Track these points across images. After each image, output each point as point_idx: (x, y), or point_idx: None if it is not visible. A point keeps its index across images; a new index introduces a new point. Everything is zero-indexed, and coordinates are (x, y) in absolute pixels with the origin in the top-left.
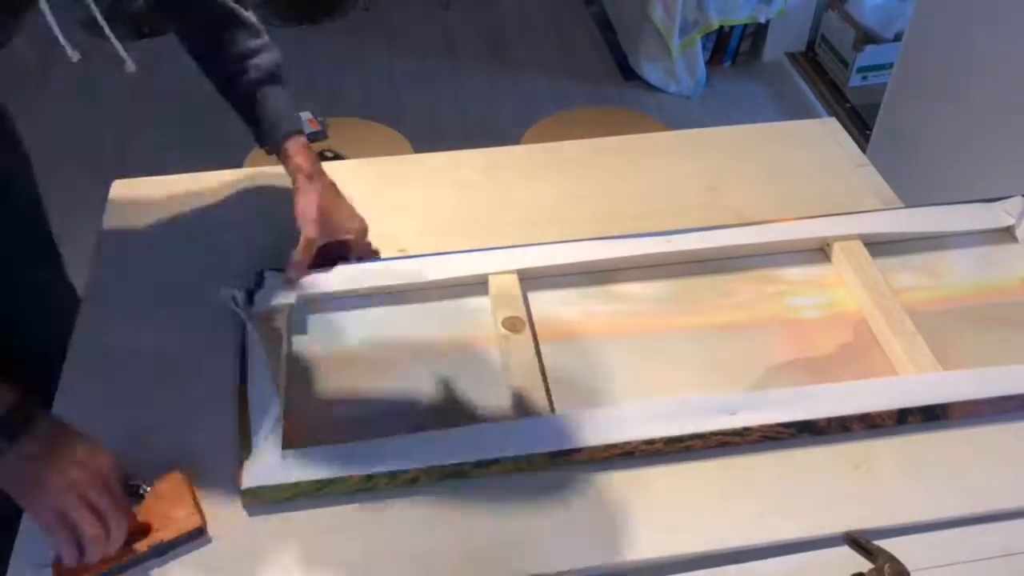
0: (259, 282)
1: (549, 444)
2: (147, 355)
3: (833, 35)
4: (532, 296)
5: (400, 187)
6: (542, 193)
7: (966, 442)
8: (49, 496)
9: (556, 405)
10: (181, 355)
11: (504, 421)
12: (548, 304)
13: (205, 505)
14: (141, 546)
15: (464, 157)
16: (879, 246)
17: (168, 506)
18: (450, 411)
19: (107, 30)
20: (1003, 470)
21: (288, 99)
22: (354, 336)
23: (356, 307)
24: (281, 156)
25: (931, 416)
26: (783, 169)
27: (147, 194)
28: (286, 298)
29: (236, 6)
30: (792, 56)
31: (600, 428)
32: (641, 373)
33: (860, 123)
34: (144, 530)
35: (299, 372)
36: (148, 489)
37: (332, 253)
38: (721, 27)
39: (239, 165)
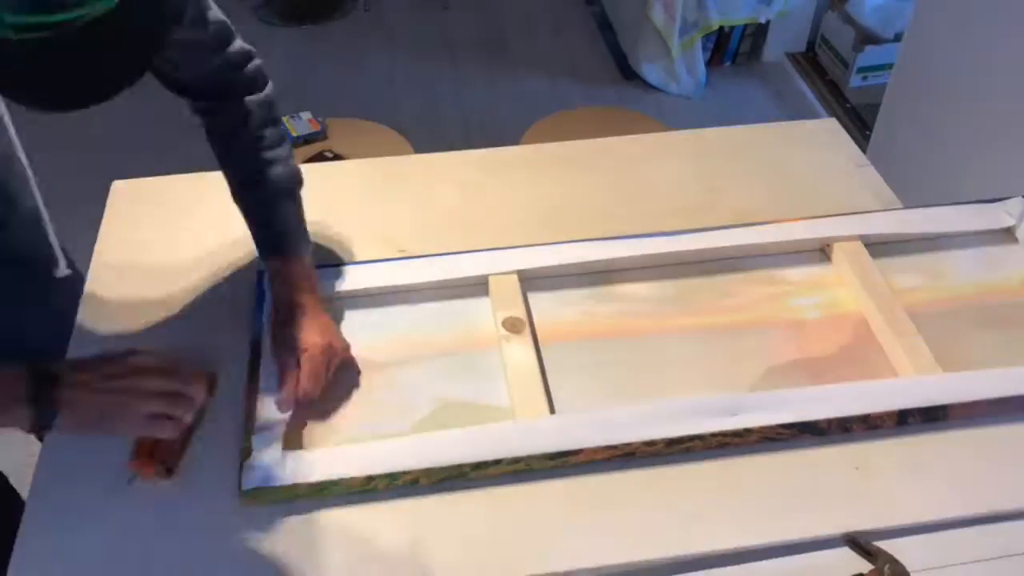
0: (259, 282)
1: (549, 444)
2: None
3: (833, 35)
4: (532, 296)
5: (400, 187)
6: (542, 193)
7: (966, 443)
8: (122, 421)
9: (556, 405)
10: (181, 355)
11: (504, 421)
12: (548, 304)
13: (205, 505)
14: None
15: (464, 157)
16: (879, 247)
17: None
18: (450, 411)
19: None
20: (1003, 471)
21: (299, 217)
22: (354, 336)
23: (357, 307)
24: (283, 271)
25: (931, 417)
26: (783, 169)
27: (147, 194)
28: None
29: (267, 111)
30: (792, 56)
31: (600, 428)
32: (641, 374)
33: (860, 123)
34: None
35: None
36: None
37: None
38: (721, 27)
39: None
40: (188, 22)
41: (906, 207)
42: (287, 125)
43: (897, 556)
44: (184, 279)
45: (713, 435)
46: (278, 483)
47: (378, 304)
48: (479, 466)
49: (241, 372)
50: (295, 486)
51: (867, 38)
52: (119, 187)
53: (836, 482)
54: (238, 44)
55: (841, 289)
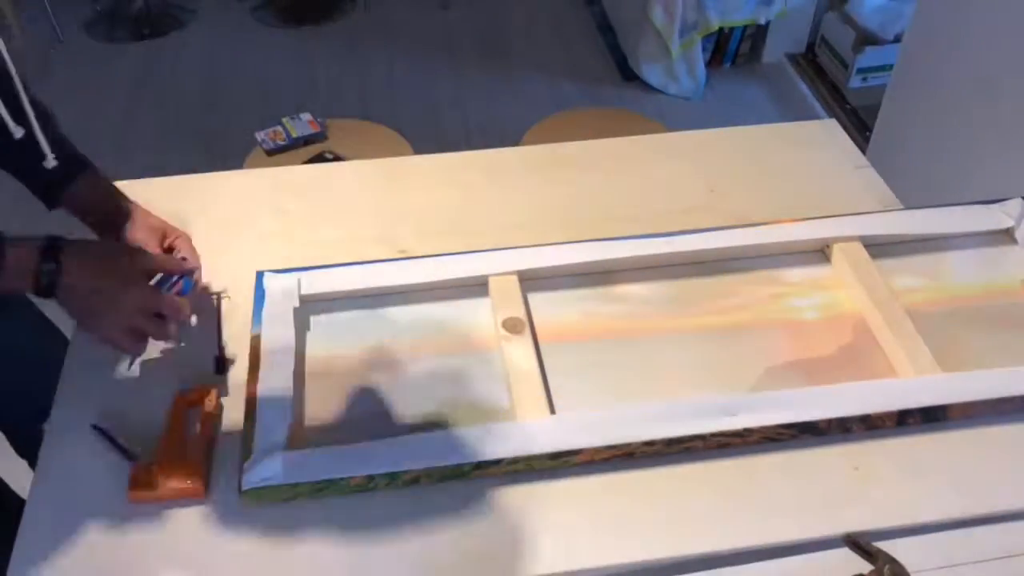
0: (259, 282)
1: (549, 444)
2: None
3: (833, 36)
4: (532, 297)
5: (400, 188)
6: (542, 194)
7: (966, 443)
8: (107, 326)
9: (556, 406)
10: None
11: (504, 422)
12: (548, 305)
13: (205, 504)
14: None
15: (464, 158)
16: (879, 247)
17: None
18: (450, 411)
19: None
20: (1003, 471)
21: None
22: (354, 337)
23: (357, 308)
24: (100, 182)
25: (931, 417)
26: (783, 170)
27: (147, 194)
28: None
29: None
30: (792, 57)
31: (600, 429)
32: (641, 374)
33: (860, 124)
34: None
35: (300, 373)
36: None
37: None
38: (721, 28)
39: (239, 165)
40: None
41: (906, 208)
42: (287, 126)
43: (897, 556)
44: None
45: (713, 435)
46: (278, 483)
47: (378, 304)
48: (479, 466)
49: (241, 372)
50: (295, 486)
51: (867, 39)
52: (119, 187)
53: (836, 482)
54: None
55: (841, 290)
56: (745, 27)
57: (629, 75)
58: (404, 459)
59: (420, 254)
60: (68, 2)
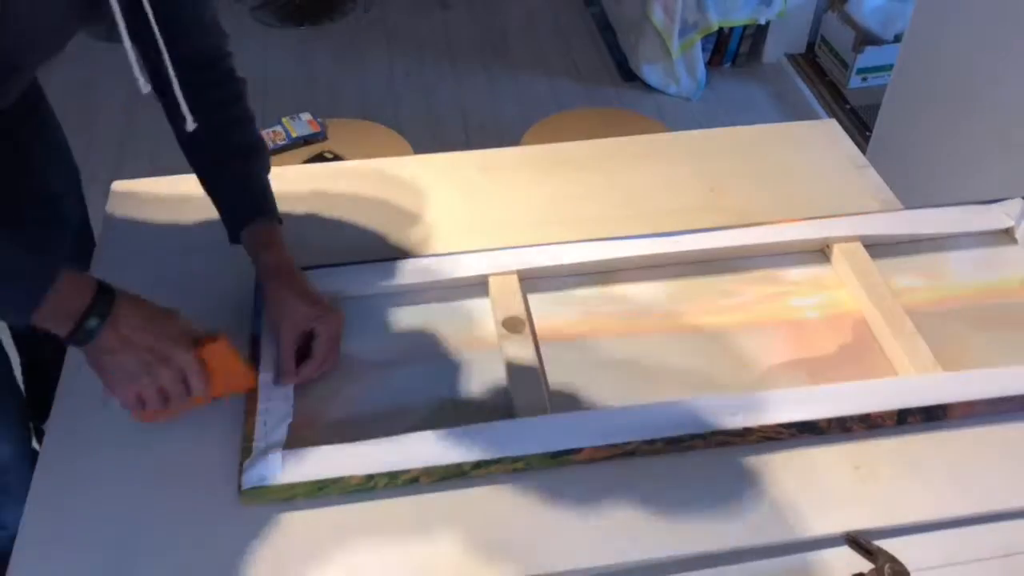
0: (259, 284)
1: (549, 444)
2: None
3: (833, 36)
4: (532, 296)
5: (400, 188)
6: (542, 194)
7: (966, 443)
8: (130, 384)
9: (556, 405)
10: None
11: (504, 421)
12: (548, 304)
13: (205, 504)
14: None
15: (464, 158)
16: (879, 247)
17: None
18: (450, 411)
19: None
20: (1003, 470)
21: (269, 188)
22: (354, 336)
23: (357, 308)
24: (258, 240)
25: (931, 417)
26: (783, 170)
27: (147, 194)
28: None
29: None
30: (792, 57)
31: (600, 428)
32: (641, 374)
33: (860, 125)
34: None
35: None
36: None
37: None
38: (721, 28)
39: None
40: None
41: (906, 208)
42: (287, 126)
43: (897, 555)
44: (184, 279)
45: (713, 435)
46: (278, 482)
47: (378, 304)
48: (479, 465)
49: None
50: (295, 485)
51: (867, 39)
52: (118, 187)
53: (836, 482)
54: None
55: (841, 289)
56: (745, 27)
57: (629, 75)
58: (404, 458)
59: (420, 253)
60: None
